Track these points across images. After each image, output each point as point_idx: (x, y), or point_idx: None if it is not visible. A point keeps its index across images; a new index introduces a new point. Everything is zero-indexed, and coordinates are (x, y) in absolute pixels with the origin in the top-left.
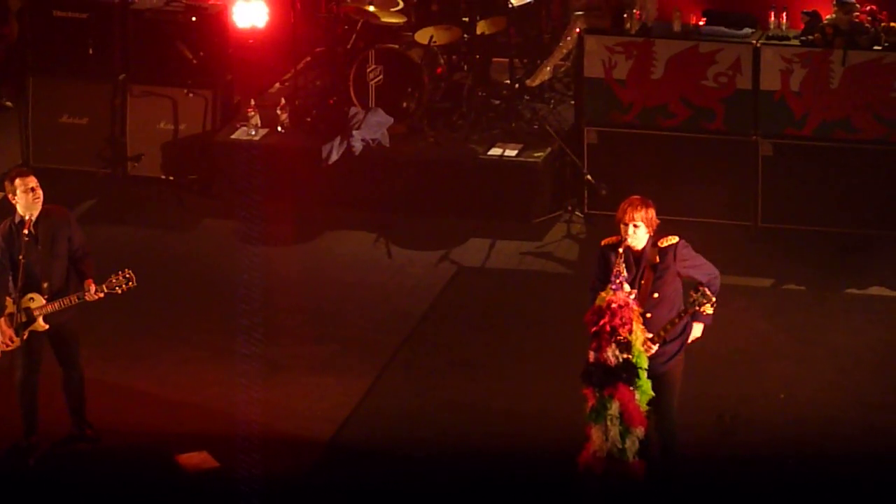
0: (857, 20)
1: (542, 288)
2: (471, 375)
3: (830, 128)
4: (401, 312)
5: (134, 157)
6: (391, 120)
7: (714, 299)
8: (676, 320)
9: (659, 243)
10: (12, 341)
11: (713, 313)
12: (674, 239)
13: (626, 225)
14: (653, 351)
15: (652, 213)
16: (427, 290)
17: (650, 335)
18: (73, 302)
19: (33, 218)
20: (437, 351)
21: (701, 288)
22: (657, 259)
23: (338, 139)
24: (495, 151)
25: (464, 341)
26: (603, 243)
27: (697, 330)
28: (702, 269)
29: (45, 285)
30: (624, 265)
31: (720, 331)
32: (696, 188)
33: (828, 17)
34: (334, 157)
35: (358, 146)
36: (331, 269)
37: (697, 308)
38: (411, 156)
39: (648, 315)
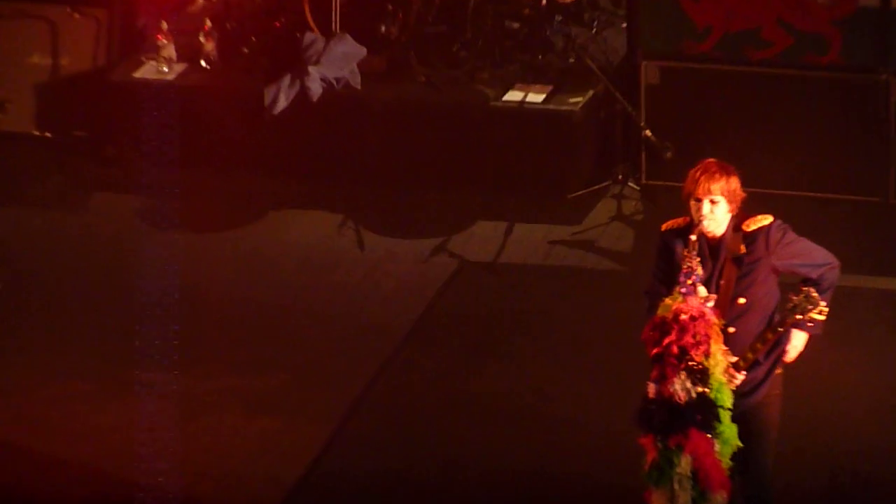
0: None
1: (579, 292)
2: (477, 422)
3: None
4: (376, 328)
5: None
6: (364, 51)
7: (824, 303)
8: (770, 335)
9: (745, 226)
10: None
11: (824, 319)
12: (766, 219)
13: (700, 201)
14: (738, 381)
15: (736, 183)
16: (414, 295)
17: (734, 358)
18: None
19: None
20: (429, 385)
21: (805, 289)
22: (743, 249)
23: (287, 79)
24: (513, 96)
25: (466, 371)
26: (665, 228)
27: (798, 341)
28: (809, 257)
29: None
30: (698, 259)
31: (834, 348)
32: (800, 149)
33: None
34: (282, 104)
35: (316, 89)
36: (277, 265)
37: (800, 317)
38: (393, 103)
39: (732, 329)
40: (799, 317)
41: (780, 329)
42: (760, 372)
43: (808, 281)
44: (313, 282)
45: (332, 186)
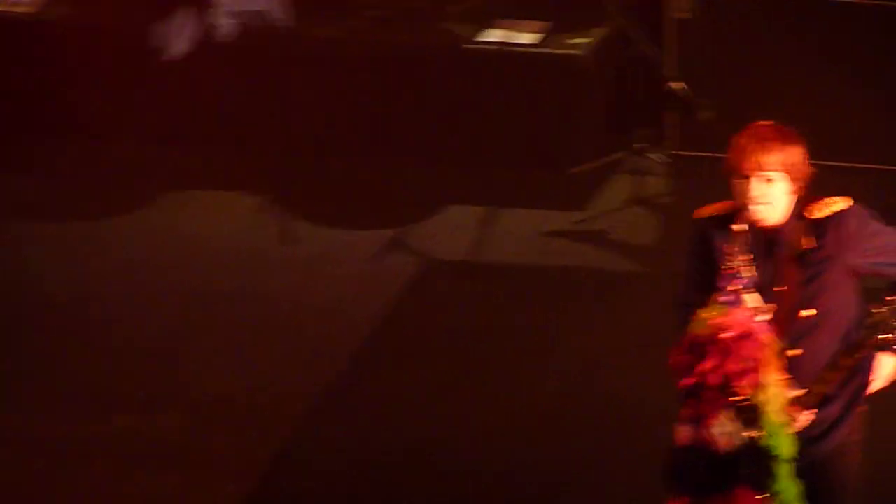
0: None
1: (584, 302)
2: (437, 480)
3: None
4: (310, 351)
5: None
6: None
7: None
8: (846, 361)
9: (811, 213)
10: None
11: None
12: (841, 203)
13: (749, 178)
14: (803, 422)
15: (799, 154)
16: (361, 306)
17: (798, 392)
18: None
19: None
20: (380, 425)
21: (892, 298)
22: (809, 243)
23: (185, 11)
24: (495, 36)
25: (430, 408)
26: (701, 215)
27: (887, 368)
28: None
29: None
30: (745, 257)
31: None
32: (890, 106)
33: None
34: (180, 45)
35: (225, 25)
36: (173, 266)
37: (885, 336)
38: (331, 44)
39: (795, 352)
40: (884, 336)
41: (858, 353)
42: (834, 410)
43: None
44: (223, 288)
45: (249, 158)
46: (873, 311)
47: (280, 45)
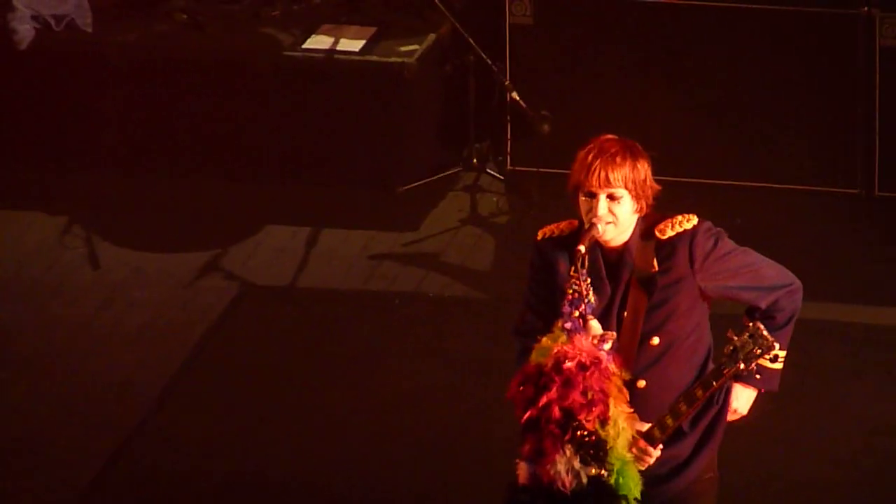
0: None
1: (416, 330)
2: None
3: None
4: (116, 386)
5: None
6: None
7: (777, 346)
8: (699, 393)
9: (658, 231)
10: None
11: (781, 368)
12: (689, 220)
13: (594, 196)
14: (652, 460)
15: (646, 170)
16: (174, 336)
17: (646, 426)
18: None
19: None
20: (191, 467)
21: (751, 324)
22: (656, 264)
23: None
24: (318, 42)
25: (246, 445)
26: (542, 236)
27: (743, 400)
28: (755, 277)
29: None
30: (588, 281)
31: (795, 402)
32: (741, 116)
33: None
34: None
35: (25, 31)
36: None
37: (743, 366)
38: (138, 51)
39: (642, 383)
40: (742, 366)
41: (714, 384)
42: (686, 446)
43: (755, 312)
44: (20, 317)
45: (50, 174)
46: (733, 337)
47: (82, 52)
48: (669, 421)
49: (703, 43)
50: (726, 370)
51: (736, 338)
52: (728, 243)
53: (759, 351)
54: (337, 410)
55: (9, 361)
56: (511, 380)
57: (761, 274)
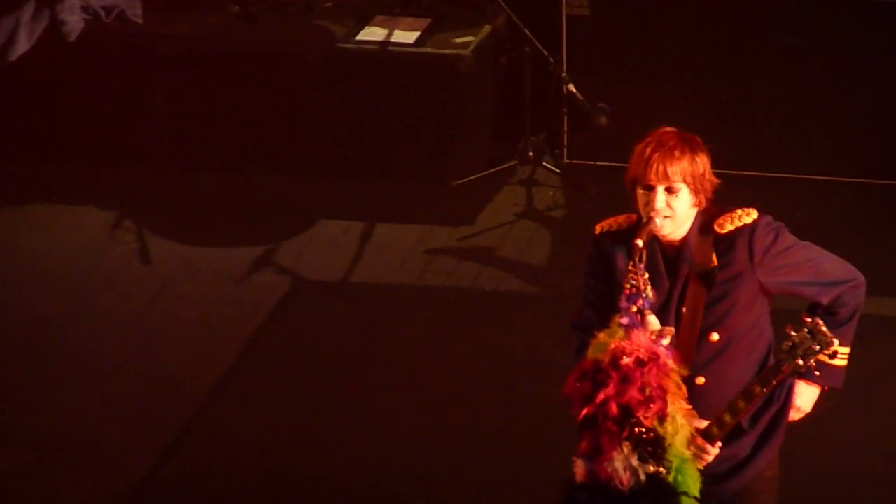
0: None
1: (471, 325)
2: None
3: None
4: (166, 382)
5: None
6: None
7: (836, 342)
8: (758, 390)
9: (717, 226)
10: None
11: (844, 365)
12: (749, 215)
13: (652, 189)
14: (711, 457)
15: (705, 163)
16: (225, 331)
17: (705, 423)
18: None
19: None
20: (244, 462)
21: (809, 321)
22: (715, 259)
23: (29, 7)
24: (372, 34)
25: (301, 441)
26: (600, 230)
27: (805, 398)
28: (816, 272)
29: None
30: (646, 275)
31: (861, 398)
32: (802, 108)
33: None
34: (22, 45)
35: (74, 23)
36: (12, 288)
37: (802, 362)
38: (190, 42)
39: (701, 380)
40: (801, 362)
41: (772, 380)
42: (746, 444)
43: (815, 308)
44: (71, 312)
45: (100, 168)
46: (791, 333)
47: (133, 44)
48: (728, 418)
49: (763, 34)
50: (784, 366)
51: (794, 333)
52: (789, 237)
53: (817, 347)
54: (390, 406)
55: (59, 356)
56: (568, 376)
57: (823, 269)
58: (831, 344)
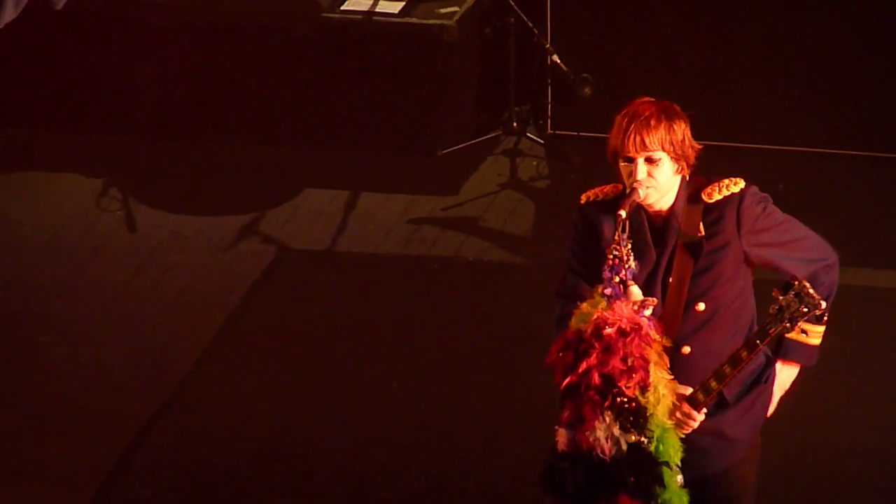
0: None
1: (454, 295)
2: (284, 491)
3: None
4: (154, 347)
5: None
6: None
7: (824, 305)
8: (744, 355)
9: (705, 195)
10: None
11: (818, 344)
12: (737, 184)
13: (632, 160)
14: (695, 425)
15: (683, 130)
16: (211, 299)
17: (687, 390)
18: None
19: None
20: (232, 432)
21: (798, 283)
22: (702, 228)
23: None
24: (358, 3)
25: (286, 409)
26: (585, 200)
27: (785, 376)
28: (798, 247)
29: None
30: (629, 246)
31: (841, 370)
32: (784, 78)
33: None
34: (9, 12)
35: None
36: (2, 254)
37: (790, 325)
38: (178, 14)
39: (686, 350)
40: (788, 325)
41: (758, 343)
42: (730, 420)
43: (794, 279)
44: (58, 280)
45: (87, 137)
46: (779, 297)
47: (121, 13)
48: (714, 384)
49: (746, 3)
50: (772, 329)
51: (781, 297)
52: (775, 210)
53: (805, 309)
54: (375, 375)
55: (47, 325)
56: (551, 345)
57: (805, 245)
58: (819, 306)
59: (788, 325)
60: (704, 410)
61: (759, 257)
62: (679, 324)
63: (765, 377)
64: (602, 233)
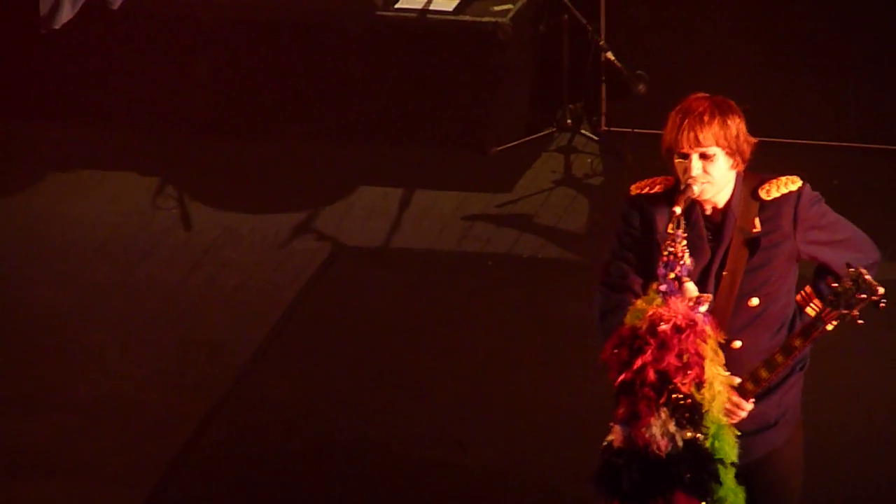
0: None
1: (509, 292)
2: (349, 486)
3: None
4: (209, 346)
5: None
6: None
7: (881, 291)
8: (797, 342)
9: (763, 192)
10: None
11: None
12: (794, 182)
13: (686, 157)
14: (743, 415)
15: (738, 126)
16: (266, 297)
17: (737, 380)
18: None
19: None
20: (286, 428)
21: (854, 270)
22: (758, 224)
23: None
24: (411, 1)
25: (339, 408)
26: (635, 191)
27: None
28: (851, 246)
29: None
30: (684, 242)
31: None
32: (840, 75)
33: None
34: (66, 13)
35: None
36: (60, 251)
37: (847, 311)
38: (232, 13)
39: (737, 344)
40: (845, 311)
41: (814, 332)
42: (773, 404)
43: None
44: (114, 279)
45: (143, 135)
46: (834, 284)
47: (175, 12)
48: (764, 374)
49: (802, 11)
50: (829, 316)
51: (837, 285)
52: (828, 209)
53: (863, 295)
54: (428, 372)
55: (103, 323)
56: (605, 342)
57: (853, 243)
58: (876, 291)
59: (845, 311)
60: (753, 400)
61: (809, 253)
62: (730, 318)
63: (802, 364)
64: (655, 225)
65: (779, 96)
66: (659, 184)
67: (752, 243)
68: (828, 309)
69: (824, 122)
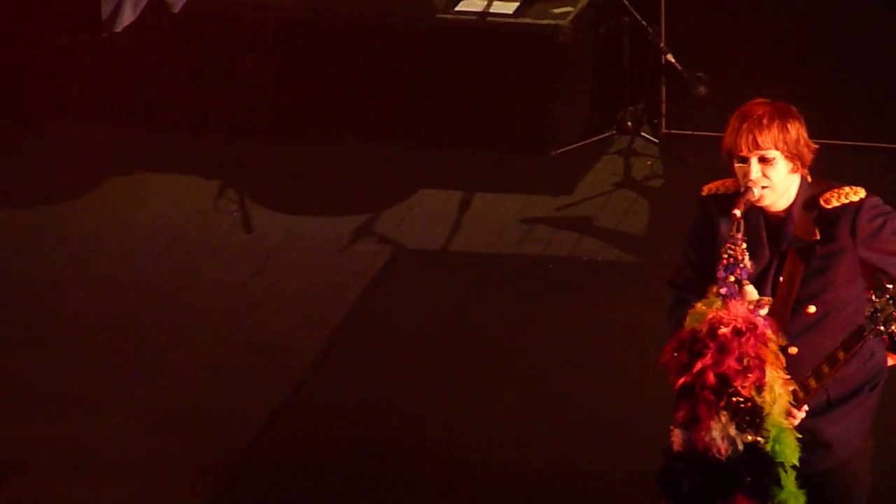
0: None
1: (569, 295)
2: (408, 485)
3: None
4: (271, 348)
5: None
6: None
7: None
8: (840, 354)
9: (824, 200)
10: None
11: None
12: (857, 193)
13: (746, 161)
14: (795, 422)
15: (798, 131)
16: (327, 300)
17: (793, 387)
18: None
19: None
20: (346, 430)
21: (892, 286)
22: (817, 233)
23: None
24: (472, 3)
25: (401, 411)
26: (707, 192)
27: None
28: None
29: None
30: (744, 245)
31: None
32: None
33: None
34: (127, 16)
35: None
36: (124, 256)
37: (884, 328)
38: (291, 13)
39: (794, 350)
40: (882, 328)
41: (854, 346)
42: (839, 414)
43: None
44: (176, 281)
45: (202, 139)
46: (873, 299)
47: (236, 15)
48: (812, 383)
49: (863, 3)
50: (866, 332)
51: (876, 300)
52: (891, 221)
53: None
54: (490, 374)
55: (166, 326)
56: (665, 345)
57: None
58: None
59: (882, 328)
60: (805, 408)
61: (869, 262)
62: (786, 323)
63: (872, 384)
64: (719, 228)
65: (841, 98)
66: (728, 185)
67: (810, 251)
68: (865, 323)
69: (891, 124)
